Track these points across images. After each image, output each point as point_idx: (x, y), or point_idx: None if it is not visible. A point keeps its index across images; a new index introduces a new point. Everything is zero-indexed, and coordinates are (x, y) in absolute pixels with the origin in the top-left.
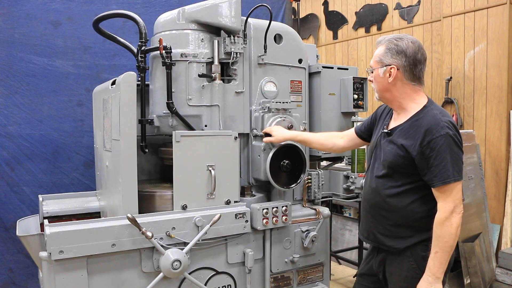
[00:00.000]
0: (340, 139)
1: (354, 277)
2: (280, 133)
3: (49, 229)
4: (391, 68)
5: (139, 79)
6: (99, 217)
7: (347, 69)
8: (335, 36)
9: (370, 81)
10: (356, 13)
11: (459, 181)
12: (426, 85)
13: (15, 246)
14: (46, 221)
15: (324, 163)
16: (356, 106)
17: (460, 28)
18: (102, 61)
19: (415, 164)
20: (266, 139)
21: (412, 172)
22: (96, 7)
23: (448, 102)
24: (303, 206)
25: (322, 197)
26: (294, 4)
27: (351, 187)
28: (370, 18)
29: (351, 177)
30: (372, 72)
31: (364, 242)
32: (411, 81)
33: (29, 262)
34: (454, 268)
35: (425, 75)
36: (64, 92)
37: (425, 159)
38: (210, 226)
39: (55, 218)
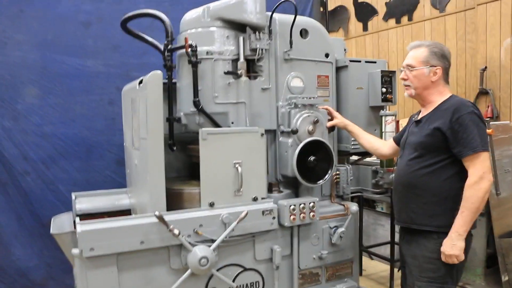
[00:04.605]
0: (383, 144)
1: (398, 271)
2: (341, 117)
3: (80, 227)
4: (437, 69)
5: (167, 77)
6: (130, 214)
7: (375, 62)
8: (365, 28)
9: (404, 79)
10: (386, 3)
11: (486, 151)
12: (459, 76)
13: (52, 242)
14: (77, 219)
15: (354, 157)
16: (385, 99)
17: (496, 15)
18: (131, 60)
19: (445, 141)
20: (330, 123)
21: (442, 150)
22: (125, 7)
23: (483, 93)
24: (332, 202)
25: (351, 193)
26: None
27: (380, 182)
28: (401, 8)
29: (380, 172)
30: (410, 71)
31: (395, 238)
32: (445, 80)
33: (65, 258)
34: (491, 264)
35: (458, 65)
36: (95, 91)
37: (455, 133)
38: (237, 223)
39: (87, 216)
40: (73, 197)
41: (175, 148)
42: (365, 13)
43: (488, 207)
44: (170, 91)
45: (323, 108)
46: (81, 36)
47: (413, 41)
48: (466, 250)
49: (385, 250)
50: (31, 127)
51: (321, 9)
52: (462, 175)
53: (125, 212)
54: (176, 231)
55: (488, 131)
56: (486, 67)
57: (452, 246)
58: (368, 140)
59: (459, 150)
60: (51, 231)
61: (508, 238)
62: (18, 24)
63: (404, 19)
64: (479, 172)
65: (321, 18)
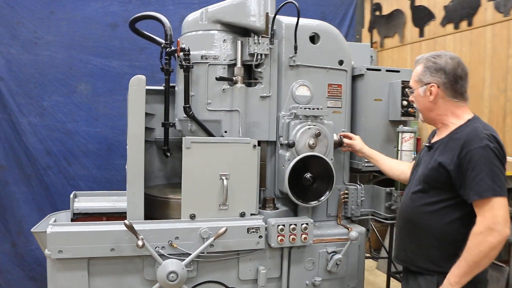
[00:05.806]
0: (407, 167)
1: None
2: (360, 139)
3: (50, 228)
4: (431, 87)
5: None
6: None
7: (398, 71)
8: (421, 34)
9: (412, 101)
10: (445, 7)
11: (501, 197)
12: None
13: None
14: (51, 220)
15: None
16: (406, 114)
17: None
18: (157, 62)
19: (451, 179)
20: (347, 141)
21: (447, 188)
22: (153, 8)
23: None
24: (338, 224)
25: (362, 215)
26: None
27: (393, 207)
28: (460, 12)
29: (394, 195)
30: (413, 93)
31: None
32: (453, 98)
33: None
34: None
35: None
36: (119, 92)
37: (462, 171)
38: (214, 239)
39: (86, 215)
40: (72, 195)
41: (169, 154)
42: (421, 18)
43: None
44: (167, 96)
45: (341, 134)
46: (108, 37)
47: (472, 49)
48: None
49: None
50: (56, 124)
51: (378, 13)
52: (471, 219)
53: (123, 215)
54: (139, 242)
55: None
56: None
57: None
58: (389, 165)
59: (466, 192)
60: (32, 228)
61: None
62: (48, 25)
63: (463, 24)
64: (486, 222)
65: (368, 22)
